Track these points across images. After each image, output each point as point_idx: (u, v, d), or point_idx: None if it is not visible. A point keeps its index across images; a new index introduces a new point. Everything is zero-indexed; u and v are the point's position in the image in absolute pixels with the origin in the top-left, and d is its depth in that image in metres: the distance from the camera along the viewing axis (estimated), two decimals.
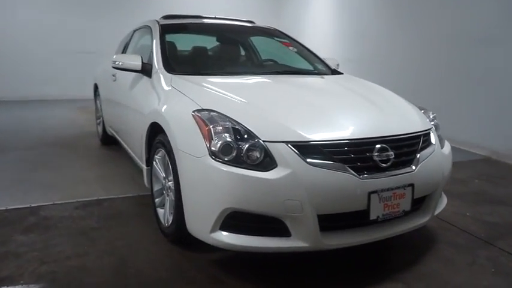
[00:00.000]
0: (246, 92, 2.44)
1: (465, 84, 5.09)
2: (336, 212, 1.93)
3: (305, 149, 1.92)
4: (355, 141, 2.01)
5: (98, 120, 4.88)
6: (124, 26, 8.82)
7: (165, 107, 2.37)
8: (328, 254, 2.21)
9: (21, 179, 3.51)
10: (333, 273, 2.18)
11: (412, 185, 2.09)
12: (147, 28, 3.55)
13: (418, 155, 2.18)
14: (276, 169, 1.87)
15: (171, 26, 3.31)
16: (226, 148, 1.93)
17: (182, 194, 2.10)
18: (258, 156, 1.91)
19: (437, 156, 2.30)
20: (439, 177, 2.29)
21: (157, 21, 3.39)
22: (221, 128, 1.98)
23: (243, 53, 3.69)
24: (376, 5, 6.80)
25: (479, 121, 4.89)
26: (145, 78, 2.94)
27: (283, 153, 1.89)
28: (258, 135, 1.94)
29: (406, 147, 2.15)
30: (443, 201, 2.51)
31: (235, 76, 2.85)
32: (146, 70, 2.91)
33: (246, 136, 1.94)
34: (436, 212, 2.37)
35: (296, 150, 1.90)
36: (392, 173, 2.03)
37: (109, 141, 4.65)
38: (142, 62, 2.91)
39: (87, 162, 4.11)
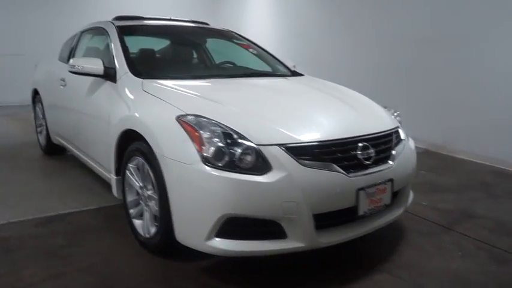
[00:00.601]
0: (224, 95, 2.42)
1: (405, 83, 5.47)
2: (328, 210, 1.99)
3: (297, 150, 1.95)
4: (341, 140, 2.09)
5: (39, 129, 4.51)
6: (54, 25, 8.32)
7: (141, 113, 2.27)
8: (313, 251, 2.27)
9: None
10: (321, 269, 2.24)
11: (391, 180, 2.22)
12: (99, 30, 3.36)
13: (393, 151, 2.32)
14: (271, 172, 1.88)
15: (129, 28, 3.17)
16: (219, 153, 1.90)
17: (171, 202, 2.03)
18: (252, 160, 1.90)
19: (408, 151, 2.47)
20: (411, 171, 2.45)
21: (111, 22, 3.22)
22: (212, 133, 1.95)
23: (202, 55, 3.63)
24: (317, 6, 7.05)
25: (418, 117, 5.28)
26: (108, 83, 2.78)
27: (277, 156, 1.91)
28: (250, 139, 1.93)
29: (383, 145, 2.27)
30: (411, 193, 2.69)
31: (204, 79, 2.80)
32: (109, 75, 2.75)
33: (238, 140, 1.93)
34: (408, 204, 2.53)
35: (290, 152, 1.93)
36: (375, 170, 2.14)
37: (54, 151, 4.34)
38: (104, 66, 2.75)
39: (33, 174, 3.79)
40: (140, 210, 2.44)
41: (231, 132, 1.95)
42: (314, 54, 6.93)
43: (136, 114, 2.30)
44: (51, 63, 4.10)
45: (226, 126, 1.98)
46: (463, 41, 4.72)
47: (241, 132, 1.95)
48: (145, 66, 2.89)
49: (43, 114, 4.22)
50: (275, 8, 8.11)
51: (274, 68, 3.46)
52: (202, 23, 3.78)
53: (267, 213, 1.89)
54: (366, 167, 2.12)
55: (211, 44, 3.65)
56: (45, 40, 8.09)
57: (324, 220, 2.00)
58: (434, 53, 5.07)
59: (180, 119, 2.05)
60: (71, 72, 2.82)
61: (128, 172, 2.47)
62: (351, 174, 2.03)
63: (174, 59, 3.35)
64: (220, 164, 1.89)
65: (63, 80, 3.50)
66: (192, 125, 1.99)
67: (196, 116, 2.05)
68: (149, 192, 2.32)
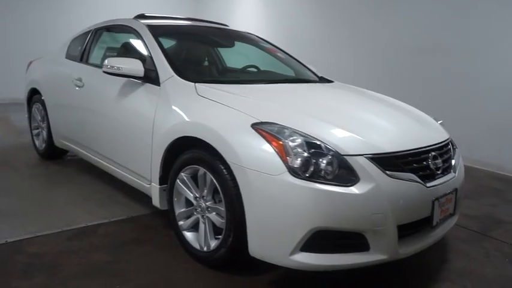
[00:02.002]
0: (287, 102, 2.33)
1: (403, 91, 5.60)
2: (410, 221, 1.97)
3: (382, 160, 1.91)
4: (416, 150, 2.08)
5: (36, 131, 4.19)
6: (29, 22, 7.78)
7: (206, 119, 2.13)
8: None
9: None
10: (389, 279, 2.22)
11: (456, 189, 2.24)
12: (123, 28, 3.17)
13: (453, 161, 2.34)
14: (359, 183, 1.83)
15: (161, 28, 3.00)
16: (305, 164, 1.82)
17: (247, 214, 1.93)
18: (338, 170, 1.84)
19: (460, 160, 2.50)
20: (463, 180, 2.49)
21: (140, 21, 3.03)
22: (295, 142, 1.87)
23: (234, 59, 3.50)
24: (311, 9, 7.07)
25: None
26: (147, 86, 2.61)
27: (364, 166, 1.86)
28: (335, 148, 1.87)
29: (445, 154, 2.29)
30: None
31: (253, 84, 2.68)
32: (149, 77, 2.59)
33: (323, 150, 1.86)
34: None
35: (375, 163, 1.88)
36: (444, 180, 2.14)
37: (54, 155, 4.04)
38: (144, 67, 2.58)
39: (41, 182, 3.50)
40: (193, 222, 2.31)
41: (316, 142, 1.88)
42: (309, 59, 6.93)
43: (198, 121, 2.16)
44: (56, 62, 3.82)
45: (309, 135, 1.90)
46: (461, 50, 4.91)
47: (325, 142, 1.88)
48: (191, 69, 2.74)
49: (44, 116, 3.91)
50: (267, 12, 8.05)
51: (304, 73, 3.39)
52: (222, 24, 3.67)
53: (356, 226, 1.84)
54: (435, 177, 2.12)
55: (238, 46, 3.53)
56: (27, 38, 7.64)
57: (405, 231, 1.97)
58: (432, 62, 5.22)
59: (257, 127, 1.95)
60: (106, 73, 2.63)
61: (179, 181, 2.33)
62: (427, 185, 2.02)
63: (212, 62, 3.21)
64: (307, 175, 1.82)
65: (79, 80, 3.26)
66: (273, 134, 1.90)
67: (273, 124, 1.96)
68: (209, 203, 2.20)
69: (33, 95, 4.14)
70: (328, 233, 1.83)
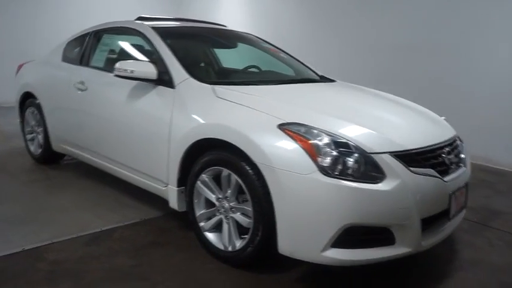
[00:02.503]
0: (307, 103, 2.38)
1: (391, 87, 5.75)
2: (431, 214, 2.06)
3: (405, 157, 1.99)
4: (433, 147, 2.17)
5: (30, 136, 4.08)
6: (15, 25, 7.50)
7: (229, 121, 2.15)
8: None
9: None
10: (401, 275, 2.31)
11: (467, 183, 2.35)
12: (126, 30, 3.14)
13: (463, 155, 2.45)
14: (386, 180, 1.90)
15: (167, 30, 2.98)
16: (335, 162, 1.88)
17: (276, 213, 1.97)
18: (365, 168, 1.91)
19: (467, 155, 2.62)
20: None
21: (145, 23, 3.01)
22: (324, 141, 1.92)
23: (236, 59, 3.52)
24: (297, 8, 7.14)
25: None
26: (159, 89, 2.60)
27: (389, 163, 1.93)
28: (361, 146, 1.94)
29: (455, 149, 2.40)
30: None
31: (266, 85, 2.71)
32: (163, 80, 2.58)
33: (350, 149, 1.92)
34: None
35: (400, 160, 1.96)
36: (457, 174, 2.25)
37: (51, 160, 3.96)
38: (157, 70, 2.58)
39: (43, 187, 3.41)
40: (216, 222, 2.33)
41: (343, 141, 1.94)
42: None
43: (222, 123, 2.18)
44: (51, 65, 3.73)
45: (336, 134, 1.96)
46: (448, 47, 5.10)
47: (351, 140, 1.95)
48: (203, 71, 2.75)
49: (40, 120, 3.82)
50: (250, 8, 8.06)
51: (307, 73, 3.43)
52: (221, 25, 3.69)
53: (384, 221, 1.91)
54: (449, 171, 2.22)
55: (240, 47, 3.55)
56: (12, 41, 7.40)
57: (427, 224, 2.06)
58: (419, 59, 5.40)
59: (283, 128, 2.00)
60: (118, 76, 2.61)
61: (199, 183, 2.35)
62: (445, 179, 2.11)
63: (219, 63, 3.22)
64: (336, 173, 1.88)
65: (81, 83, 3.20)
66: (301, 134, 1.95)
67: (299, 124, 2.01)
68: (232, 204, 2.23)
69: (26, 98, 4.04)
70: (358, 228, 1.90)
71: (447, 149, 2.25)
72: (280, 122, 2.03)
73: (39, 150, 3.95)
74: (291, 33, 7.19)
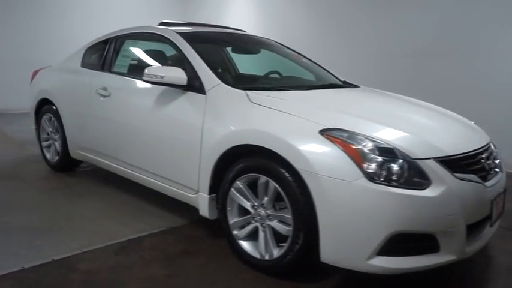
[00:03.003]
0: (343, 108, 2.34)
1: (404, 92, 5.75)
2: (475, 220, 2.02)
3: (449, 163, 1.96)
4: (473, 152, 2.14)
5: (47, 143, 4.03)
6: (19, 31, 7.46)
7: (268, 127, 2.12)
8: None
9: None
10: (447, 281, 2.27)
11: (505, 189, 2.32)
12: (151, 36, 3.11)
13: (498, 161, 2.42)
14: (432, 186, 1.87)
15: (194, 36, 2.95)
16: (381, 169, 1.85)
17: (320, 221, 1.93)
18: (411, 174, 1.87)
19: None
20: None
21: (171, 29, 2.98)
22: (368, 147, 1.89)
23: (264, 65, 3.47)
24: (307, 13, 7.13)
25: None
26: (189, 94, 2.56)
27: (434, 169, 1.90)
28: (406, 152, 1.91)
29: (491, 155, 2.37)
30: None
31: (297, 90, 2.67)
32: (193, 85, 2.55)
33: (395, 155, 1.89)
34: None
35: (444, 165, 1.93)
36: (497, 180, 2.22)
37: (68, 167, 3.92)
38: (187, 75, 2.55)
39: (63, 195, 3.35)
40: (250, 230, 2.29)
41: (388, 146, 1.90)
42: None
43: (260, 129, 2.14)
44: (70, 71, 3.69)
45: (380, 140, 1.93)
46: (457, 52, 5.10)
47: (396, 146, 1.91)
48: (233, 77, 2.72)
49: (57, 126, 3.78)
50: (258, 11, 8.05)
51: (330, 78, 3.38)
52: (240, 30, 3.66)
53: (431, 228, 1.87)
54: (488, 177, 2.19)
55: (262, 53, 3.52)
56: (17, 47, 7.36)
57: (471, 231, 2.03)
58: (430, 64, 5.39)
59: (326, 134, 1.96)
60: (147, 81, 2.57)
61: (233, 190, 2.31)
62: (487, 185, 2.08)
63: (247, 68, 3.20)
64: (381, 180, 1.84)
65: (103, 89, 3.16)
66: (345, 140, 1.92)
67: (342, 130, 1.98)
68: (269, 211, 2.19)
69: (42, 105, 3.99)
70: (404, 236, 1.86)
71: (485, 154, 2.22)
72: (322, 128, 1.99)
73: (56, 158, 3.90)
74: (299, 38, 7.17)
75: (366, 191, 1.83)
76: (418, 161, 1.90)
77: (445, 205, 1.87)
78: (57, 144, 3.87)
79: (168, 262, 2.33)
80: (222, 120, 2.35)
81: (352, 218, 1.86)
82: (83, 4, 8.10)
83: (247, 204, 2.28)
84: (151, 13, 8.78)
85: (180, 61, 2.75)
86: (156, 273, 2.21)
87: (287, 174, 2.04)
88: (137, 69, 3.17)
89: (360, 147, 1.89)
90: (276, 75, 3.31)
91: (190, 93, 2.57)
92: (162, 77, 2.51)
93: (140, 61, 3.19)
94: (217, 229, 2.70)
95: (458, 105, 4.98)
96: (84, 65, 3.60)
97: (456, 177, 1.93)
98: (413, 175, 1.88)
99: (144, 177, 2.93)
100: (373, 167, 1.85)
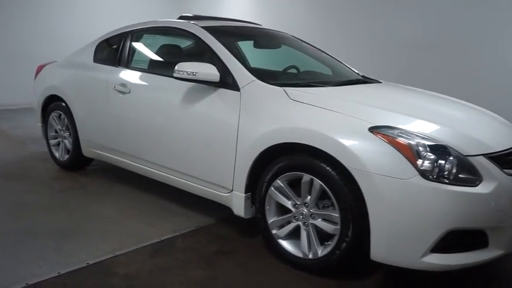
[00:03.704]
0: (383, 104, 2.30)
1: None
2: None
3: (497, 159, 1.96)
4: None
5: (55, 141, 3.90)
6: (16, 26, 7.17)
7: (315, 124, 2.07)
8: None
9: (15, 231, 2.58)
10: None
11: None
12: (175, 31, 3.01)
13: None
14: (484, 182, 1.87)
15: (218, 30, 2.87)
16: (434, 166, 1.84)
17: (372, 219, 1.91)
18: (463, 171, 1.87)
19: None
20: None
21: (196, 24, 2.90)
22: (421, 145, 1.87)
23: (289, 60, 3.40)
24: (305, 8, 7.09)
25: None
26: (221, 91, 2.50)
27: (485, 165, 1.90)
28: (458, 149, 1.90)
29: None
30: None
31: (330, 86, 2.63)
32: (226, 82, 2.49)
33: (448, 152, 1.88)
34: None
35: (493, 162, 1.93)
36: None
37: (79, 165, 3.81)
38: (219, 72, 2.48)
39: (79, 195, 3.24)
40: (291, 229, 2.26)
41: (441, 144, 1.89)
42: None
43: (305, 127, 2.10)
44: (81, 66, 3.56)
45: (431, 137, 1.91)
46: (454, 45, 5.16)
47: (447, 143, 1.90)
48: (266, 73, 2.67)
49: (68, 124, 3.65)
50: (256, 5, 7.96)
51: (352, 73, 3.34)
52: (256, 24, 3.59)
53: (483, 224, 1.88)
54: None
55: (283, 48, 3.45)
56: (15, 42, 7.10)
57: None
58: (423, 56, 5.45)
59: (376, 131, 1.93)
60: (178, 78, 2.50)
61: (273, 189, 2.27)
62: None
63: (274, 63, 3.13)
64: (435, 177, 1.83)
65: (122, 85, 3.06)
66: (396, 138, 1.89)
67: (391, 127, 1.95)
68: (313, 210, 2.16)
69: (50, 102, 3.85)
70: (456, 233, 1.86)
71: None
72: (371, 125, 1.96)
73: (66, 156, 3.78)
74: (296, 30, 7.09)
75: (421, 189, 1.81)
76: (470, 158, 1.90)
77: (496, 201, 1.87)
78: (67, 142, 3.75)
79: (206, 263, 2.28)
80: (260, 118, 2.30)
81: (407, 216, 1.85)
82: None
83: (288, 203, 2.25)
84: (142, 8, 8.59)
85: (206, 57, 2.68)
86: (197, 275, 2.16)
87: (334, 173, 2.01)
88: (160, 65, 3.10)
89: (412, 144, 1.87)
90: (294, 70, 3.27)
91: (222, 89, 2.50)
92: (194, 73, 2.44)
93: (163, 57, 3.09)
94: (247, 228, 2.69)
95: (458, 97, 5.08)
96: (98, 60, 3.48)
97: (505, 173, 1.94)
98: (466, 172, 1.87)
99: (170, 176, 2.85)
100: (427, 164, 1.83)
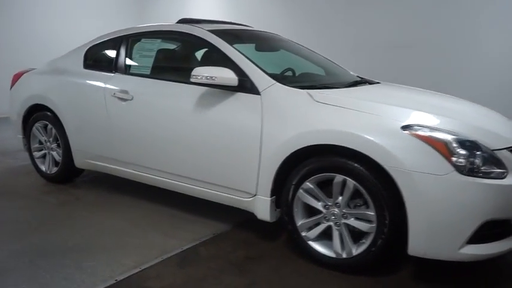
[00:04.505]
0: (405, 104, 2.37)
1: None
2: None
3: None
4: None
5: (40, 153, 3.67)
6: None
7: (348, 126, 2.10)
8: None
9: (24, 251, 2.41)
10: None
11: None
12: (177, 34, 2.95)
13: None
14: (510, 175, 1.99)
15: (229, 34, 2.83)
16: (467, 161, 1.93)
17: (410, 216, 1.97)
18: (492, 164, 1.98)
19: None
20: None
21: (203, 27, 2.84)
22: (456, 141, 1.96)
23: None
24: (275, 7, 7.13)
25: None
26: (241, 95, 2.46)
27: (509, 158, 2.02)
28: (485, 144, 2.00)
29: None
30: None
31: (343, 88, 2.66)
32: (244, 86, 2.46)
33: (478, 147, 1.97)
34: None
35: None
36: None
37: (69, 177, 3.62)
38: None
39: (79, 209, 3.08)
40: (322, 231, 2.28)
41: (470, 139, 1.99)
42: None
43: (337, 129, 2.12)
44: (69, 73, 3.37)
45: (461, 134, 2.01)
46: (432, 46, 5.45)
47: (475, 139, 2.00)
48: (282, 76, 2.66)
49: (56, 134, 3.46)
50: (224, 6, 7.91)
51: (351, 75, 3.40)
52: (246, 26, 3.58)
53: (511, 214, 2.00)
54: None
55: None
56: None
57: None
58: (407, 56, 5.70)
59: (408, 130, 2.00)
60: (195, 83, 2.44)
61: (302, 191, 2.28)
62: None
63: (282, 65, 3.12)
64: (469, 172, 1.93)
65: (124, 92, 2.94)
66: (429, 135, 1.97)
67: (421, 125, 2.02)
68: (345, 210, 2.19)
69: (32, 111, 3.63)
70: (489, 223, 1.96)
71: None
72: (403, 124, 2.03)
73: (55, 169, 3.57)
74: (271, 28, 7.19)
75: (458, 184, 1.90)
76: (496, 152, 2.01)
77: None
78: (56, 154, 3.54)
79: (239, 270, 2.25)
80: (286, 122, 2.30)
81: (444, 210, 1.93)
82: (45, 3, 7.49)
83: (318, 204, 2.27)
84: (101, 11, 8.29)
85: (218, 61, 2.64)
86: (235, 283, 2.13)
87: (368, 172, 2.06)
88: (167, 71, 3.01)
89: (447, 141, 1.95)
90: (289, 73, 3.30)
91: (240, 94, 2.48)
92: (213, 78, 2.40)
93: (169, 62, 3.00)
94: (265, 231, 2.69)
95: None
96: (89, 66, 3.32)
97: None
98: (494, 165, 1.98)
99: (183, 184, 2.78)
100: (461, 160, 1.92)
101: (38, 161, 3.71)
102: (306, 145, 2.21)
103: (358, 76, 3.44)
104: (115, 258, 2.35)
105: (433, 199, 1.93)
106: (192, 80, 2.44)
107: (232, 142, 2.48)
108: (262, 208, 2.44)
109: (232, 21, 3.56)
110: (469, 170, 1.92)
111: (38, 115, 3.59)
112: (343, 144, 2.10)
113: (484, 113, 2.60)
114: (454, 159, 1.92)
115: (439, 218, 1.94)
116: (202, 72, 2.42)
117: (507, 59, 5.06)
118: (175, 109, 2.72)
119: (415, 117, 2.10)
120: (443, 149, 1.94)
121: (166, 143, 2.78)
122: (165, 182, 2.88)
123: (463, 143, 1.96)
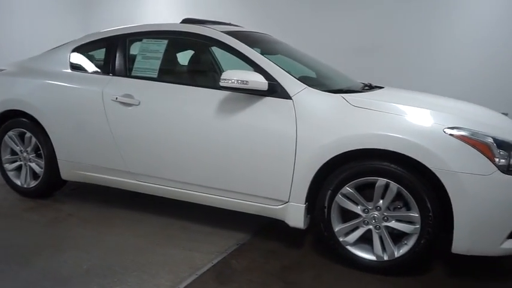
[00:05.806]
0: (429, 106, 2.40)
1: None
2: None
3: None
4: None
5: (14, 165, 3.25)
6: None
7: (392, 130, 2.12)
8: None
9: (36, 279, 2.12)
10: None
11: None
12: (186, 35, 2.78)
13: None
14: None
15: (241, 36, 2.71)
16: (507, 161, 2.05)
17: (456, 215, 2.04)
18: None
19: None
20: None
21: (212, 28, 2.71)
22: (495, 143, 2.05)
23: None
24: (235, 8, 7.06)
25: None
26: (270, 100, 2.38)
27: None
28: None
29: None
30: None
31: (363, 92, 2.65)
32: (274, 91, 2.38)
33: (510, 147, 2.10)
34: None
35: None
36: None
37: (51, 191, 3.27)
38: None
39: (74, 227, 2.78)
40: (360, 235, 2.28)
41: (507, 141, 2.09)
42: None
43: (383, 133, 2.12)
44: (54, 75, 3.02)
45: (497, 135, 2.11)
46: (394, 50, 5.76)
47: (507, 139, 2.13)
48: (309, 79, 2.61)
49: (37, 143, 3.09)
50: (181, 6, 7.64)
51: (353, 80, 3.40)
52: (236, 26, 3.47)
53: None
54: None
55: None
56: None
57: None
58: (368, 60, 5.96)
59: (450, 132, 2.07)
60: (227, 88, 2.32)
61: (340, 196, 2.27)
62: None
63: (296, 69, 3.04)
64: (509, 171, 2.05)
65: (128, 96, 2.71)
66: (471, 137, 2.05)
67: (462, 128, 2.10)
68: (386, 213, 2.22)
69: (4, 119, 3.21)
70: None
71: None
72: (445, 127, 2.09)
73: (34, 182, 3.19)
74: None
75: (502, 183, 2.01)
76: None
77: None
78: (35, 165, 3.17)
79: (283, 281, 2.18)
80: (323, 127, 2.26)
81: (488, 209, 2.02)
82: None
83: (357, 209, 2.27)
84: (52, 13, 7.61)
85: (239, 64, 2.54)
86: None
87: (412, 174, 2.10)
88: (181, 74, 2.84)
89: (489, 143, 2.05)
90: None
91: (269, 98, 2.39)
92: (245, 82, 2.30)
93: (182, 64, 2.81)
94: (287, 238, 2.64)
95: None
96: (77, 68, 3.01)
97: None
98: None
99: (201, 194, 2.62)
100: (503, 160, 2.03)
101: (10, 174, 3.29)
102: (347, 150, 2.20)
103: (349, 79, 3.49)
104: (145, 280, 2.15)
105: (479, 198, 2.02)
106: (221, 84, 2.32)
107: (262, 148, 2.39)
108: (295, 215, 2.38)
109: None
110: (508, 169, 2.04)
111: (11, 122, 3.18)
112: (388, 148, 2.12)
113: (492, 114, 2.76)
114: (496, 159, 2.03)
115: (484, 215, 2.03)
116: (232, 76, 2.31)
117: (468, 59, 5.49)
118: (192, 115, 2.56)
119: (451, 120, 2.17)
120: (486, 150, 2.03)
121: (181, 150, 2.60)
122: (181, 193, 2.69)
123: (500, 144, 2.08)
